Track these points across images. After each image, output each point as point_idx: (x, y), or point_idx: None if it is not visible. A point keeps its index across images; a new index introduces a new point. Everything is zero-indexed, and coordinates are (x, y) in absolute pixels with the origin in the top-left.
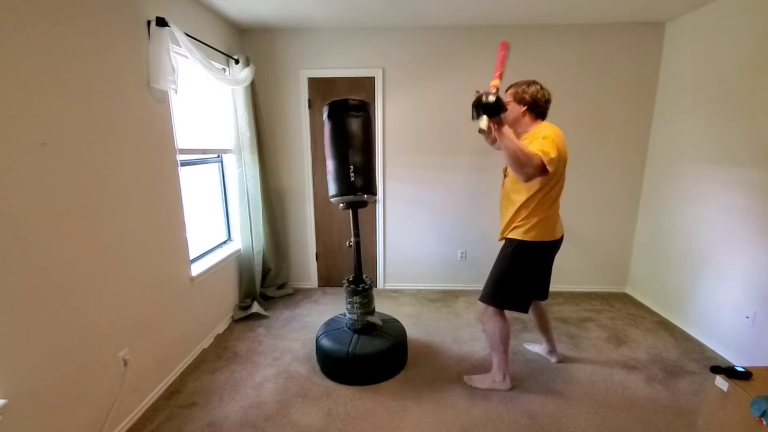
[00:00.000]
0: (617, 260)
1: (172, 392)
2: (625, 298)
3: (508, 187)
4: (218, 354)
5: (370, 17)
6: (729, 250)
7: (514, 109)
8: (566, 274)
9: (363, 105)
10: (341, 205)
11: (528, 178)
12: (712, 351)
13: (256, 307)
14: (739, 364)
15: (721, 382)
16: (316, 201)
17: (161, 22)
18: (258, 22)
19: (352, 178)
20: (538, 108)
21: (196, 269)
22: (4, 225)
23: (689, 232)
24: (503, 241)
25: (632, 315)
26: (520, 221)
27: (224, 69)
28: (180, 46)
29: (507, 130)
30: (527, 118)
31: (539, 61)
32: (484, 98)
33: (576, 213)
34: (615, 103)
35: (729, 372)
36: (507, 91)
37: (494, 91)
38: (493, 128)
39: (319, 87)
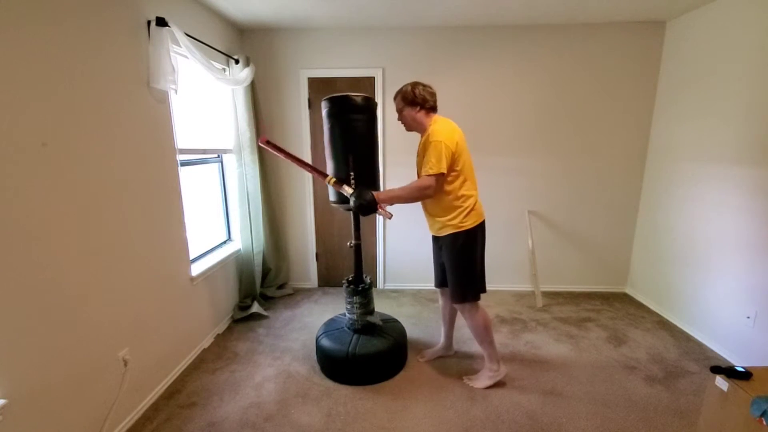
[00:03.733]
0: (617, 260)
1: (172, 392)
2: (625, 298)
3: None
4: (218, 354)
5: (370, 17)
6: (729, 250)
7: (410, 114)
8: (566, 274)
9: (367, 103)
10: (342, 207)
11: (434, 193)
12: (712, 351)
13: (256, 307)
14: (740, 364)
15: (721, 382)
16: (316, 201)
17: (161, 22)
18: (258, 22)
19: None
20: (428, 104)
21: (196, 269)
22: (4, 225)
23: (689, 231)
24: (444, 238)
25: (632, 315)
26: (455, 214)
27: (224, 69)
28: (180, 46)
29: (388, 195)
30: (422, 115)
31: (540, 61)
32: (355, 208)
33: (576, 213)
34: (615, 103)
35: (729, 372)
36: (395, 99)
37: (348, 190)
38: (383, 209)
39: (319, 87)
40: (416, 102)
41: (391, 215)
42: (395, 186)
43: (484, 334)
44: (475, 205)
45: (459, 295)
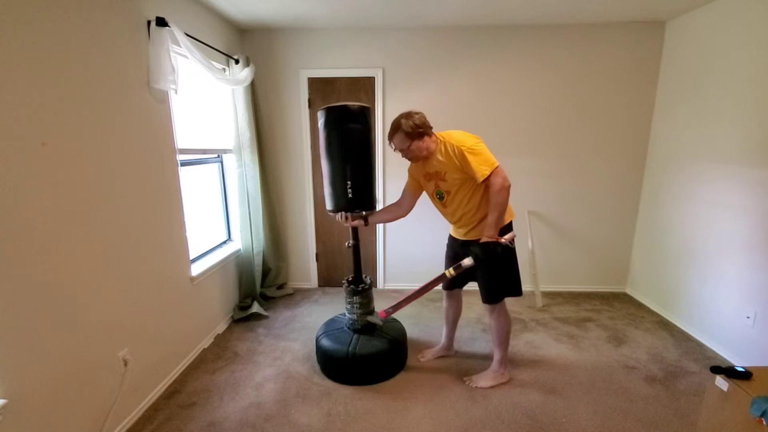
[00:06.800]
0: (617, 260)
1: (172, 392)
2: (625, 298)
3: (461, 199)
4: (218, 354)
5: (370, 17)
6: (729, 250)
7: (419, 146)
8: (566, 274)
9: (363, 112)
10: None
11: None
12: (712, 351)
13: (256, 307)
14: (740, 364)
15: (721, 382)
16: (316, 201)
17: (161, 22)
18: (258, 22)
19: (350, 195)
20: (429, 128)
21: (196, 269)
22: (4, 225)
23: (689, 231)
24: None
25: (632, 315)
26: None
27: (224, 69)
28: (180, 46)
29: (494, 224)
30: (427, 142)
31: (540, 61)
32: (489, 265)
33: (576, 213)
34: (615, 103)
35: (729, 372)
36: (393, 138)
37: (468, 262)
38: (503, 239)
39: (319, 87)
40: (422, 132)
41: (514, 235)
42: (387, 198)
43: (505, 336)
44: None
45: (494, 295)
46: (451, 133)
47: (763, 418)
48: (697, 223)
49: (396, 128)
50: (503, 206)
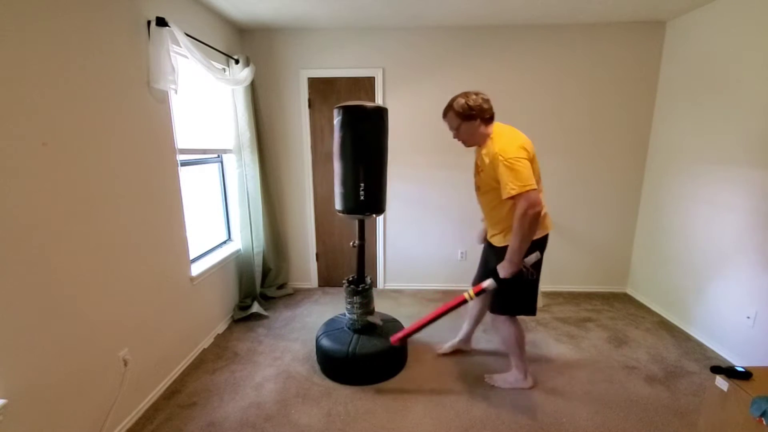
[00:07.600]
0: (617, 260)
1: (172, 392)
2: (626, 298)
3: (487, 201)
4: (218, 354)
5: (370, 17)
6: (730, 250)
7: (468, 129)
8: (566, 274)
9: (380, 113)
10: (352, 217)
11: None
12: (712, 351)
13: (256, 307)
14: (740, 365)
15: (721, 382)
16: (316, 201)
17: (161, 22)
18: (258, 22)
19: (362, 197)
20: (486, 114)
21: (196, 269)
22: (4, 225)
23: (690, 232)
24: (499, 247)
25: (632, 315)
26: None
27: (224, 69)
28: (180, 46)
29: (517, 251)
30: (481, 128)
31: (540, 61)
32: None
33: (576, 213)
34: (615, 103)
35: (729, 372)
36: (446, 115)
37: (489, 283)
38: (527, 264)
39: (319, 87)
40: (473, 115)
41: (538, 257)
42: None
43: (514, 347)
44: (543, 216)
45: (499, 306)
46: (502, 134)
47: (763, 418)
48: (697, 224)
49: (449, 106)
50: (524, 233)
